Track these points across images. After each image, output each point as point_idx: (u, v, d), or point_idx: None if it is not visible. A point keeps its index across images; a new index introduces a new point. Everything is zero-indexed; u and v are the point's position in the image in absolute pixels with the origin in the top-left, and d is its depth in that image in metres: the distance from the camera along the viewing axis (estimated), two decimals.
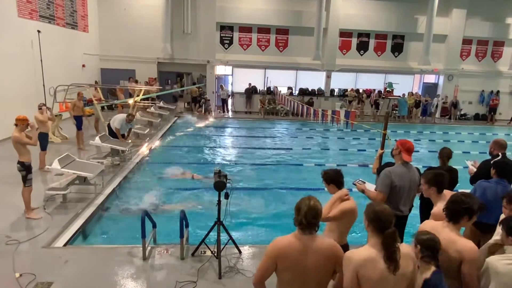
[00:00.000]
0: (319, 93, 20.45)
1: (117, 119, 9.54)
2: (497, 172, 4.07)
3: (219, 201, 4.53)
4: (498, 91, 20.83)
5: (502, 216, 3.28)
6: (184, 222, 5.01)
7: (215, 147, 12.28)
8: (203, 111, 18.39)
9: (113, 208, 6.81)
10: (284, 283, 2.48)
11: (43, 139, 7.96)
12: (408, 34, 20.09)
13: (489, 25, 20.35)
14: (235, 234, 5.63)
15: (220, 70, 20.45)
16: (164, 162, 9.77)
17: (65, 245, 5.25)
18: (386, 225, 2.22)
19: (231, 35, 19.66)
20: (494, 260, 2.53)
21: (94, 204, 6.60)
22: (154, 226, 5.37)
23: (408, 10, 19.66)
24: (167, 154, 10.80)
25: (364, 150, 12.29)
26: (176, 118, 16.77)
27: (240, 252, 5.00)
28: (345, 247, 3.11)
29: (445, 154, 4.95)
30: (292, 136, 14.69)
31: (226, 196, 4.43)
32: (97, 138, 8.75)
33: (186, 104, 19.91)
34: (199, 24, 18.75)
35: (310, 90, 20.50)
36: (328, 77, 20.26)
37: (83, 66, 16.26)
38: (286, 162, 10.55)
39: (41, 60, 12.35)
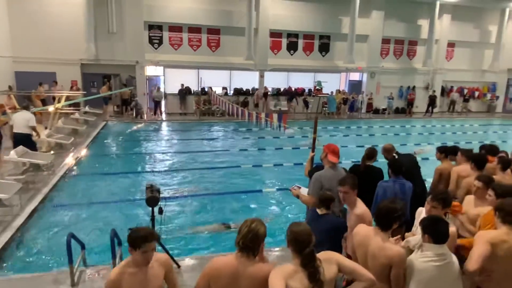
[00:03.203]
0: (253, 92, 20.69)
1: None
2: (392, 170, 4.47)
3: (152, 217, 4.35)
4: (414, 86, 22.88)
5: (421, 212, 3.58)
6: (116, 241, 4.74)
7: (149, 153, 11.82)
8: (134, 115, 17.59)
9: (36, 230, 6.20)
10: None
11: None
12: (334, 35, 21.15)
13: (404, 26, 22.23)
14: (173, 248, 5.47)
15: (151, 70, 19.71)
16: (93, 174, 9.18)
17: None
18: (304, 246, 2.28)
19: (161, 35, 19.03)
20: (414, 259, 2.74)
21: (12, 228, 5.95)
22: (83, 247, 5.00)
23: (332, 12, 20.68)
24: (96, 164, 10.13)
25: (298, 148, 12.72)
26: (104, 123, 15.79)
27: (179, 266, 4.85)
28: None
29: (365, 153, 5.17)
30: (229, 137, 14.70)
31: (160, 211, 4.27)
32: (12, 152, 7.89)
33: (115, 107, 18.87)
34: (125, 23, 17.84)
35: (244, 89, 20.66)
36: (261, 76, 20.59)
37: None
38: (223, 165, 10.49)
39: None
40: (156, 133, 15.38)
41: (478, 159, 4.71)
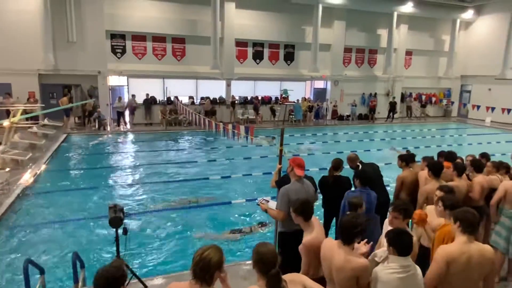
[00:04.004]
0: (220, 101, 20.66)
1: None
2: (360, 181, 4.60)
3: (116, 238, 4.19)
4: (375, 93, 23.76)
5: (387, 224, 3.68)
6: (78, 264, 4.52)
7: (113, 167, 11.42)
8: (97, 126, 17.00)
9: None
10: None
11: None
12: (298, 44, 21.58)
13: (364, 36, 23.09)
14: (140, 268, 5.32)
15: (114, 80, 19.20)
16: (53, 191, 8.75)
17: None
18: (270, 267, 2.29)
19: (124, 44, 18.61)
20: (379, 271, 2.82)
21: None
22: (42, 272, 4.71)
23: (296, 21, 21.12)
24: (56, 181, 9.65)
25: (266, 157, 12.77)
26: (65, 136, 15.13)
27: (146, 286, 4.70)
28: None
29: (332, 164, 5.35)
30: (196, 148, 14.52)
31: (125, 232, 4.13)
32: None
33: (76, 119, 18.16)
34: (86, 32, 17.29)
35: (211, 98, 20.57)
36: (228, 85, 20.61)
37: None
38: (192, 177, 10.34)
39: None
40: (120, 145, 14.93)
41: (434, 167, 4.93)
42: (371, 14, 22.38)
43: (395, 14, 22.08)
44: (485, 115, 23.47)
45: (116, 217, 4.02)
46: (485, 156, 6.46)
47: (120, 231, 4.18)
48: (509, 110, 22.23)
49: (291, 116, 20.71)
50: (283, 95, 20.97)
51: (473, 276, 2.93)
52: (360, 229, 2.88)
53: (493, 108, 23.23)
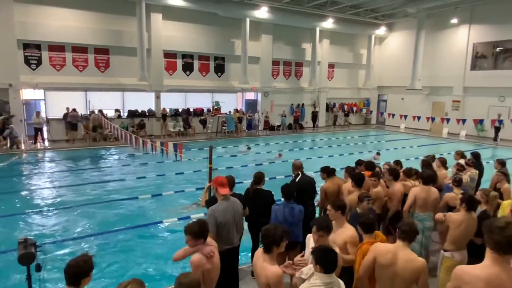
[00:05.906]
0: (150, 114, 19.98)
1: None
2: (283, 195, 4.80)
3: (28, 276, 3.77)
4: (303, 104, 24.90)
5: (310, 238, 3.81)
6: None
7: (27, 190, 10.33)
8: (8, 145, 15.33)
9: None
10: None
11: None
12: (228, 56, 21.85)
13: (290, 49, 24.17)
14: None
15: (29, 94, 17.54)
16: None
17: None
18: None
19: (39, 54, 17.16)
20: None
21: None
22: None
23: (225, 34, 21.38)
24: None
25: (200, 170, 12.56)
26: None
27: None
28: None
29: (254, 178, 5.44)
30: (124, 165, 13.79)
31: (38, 269, 3.73)
32: None
33: None
34: None
35: (140, 111, 19.82)
36: (158, 97, 20.04)
37: None
38: (119, 197, 9.75)
39: None
40: (37, 164, 13.60)
41: (356, 178, 5.27)
42: (296, 29, 23.54)
43: (317, 29, 23.49)
44: (400, 122, 25.86)
45: (27, 253, 3.62)
46: (399, 163, 7.09)
47: (32, 268, 3.76)
48: (419, 118, 24.73)
49: (224, 128, 20.77)
50: (215, 107, 21.00)
51: (398, 273, 3.21)
52: (272, 239, 3.07)
53: (405, 116, 25.63)
